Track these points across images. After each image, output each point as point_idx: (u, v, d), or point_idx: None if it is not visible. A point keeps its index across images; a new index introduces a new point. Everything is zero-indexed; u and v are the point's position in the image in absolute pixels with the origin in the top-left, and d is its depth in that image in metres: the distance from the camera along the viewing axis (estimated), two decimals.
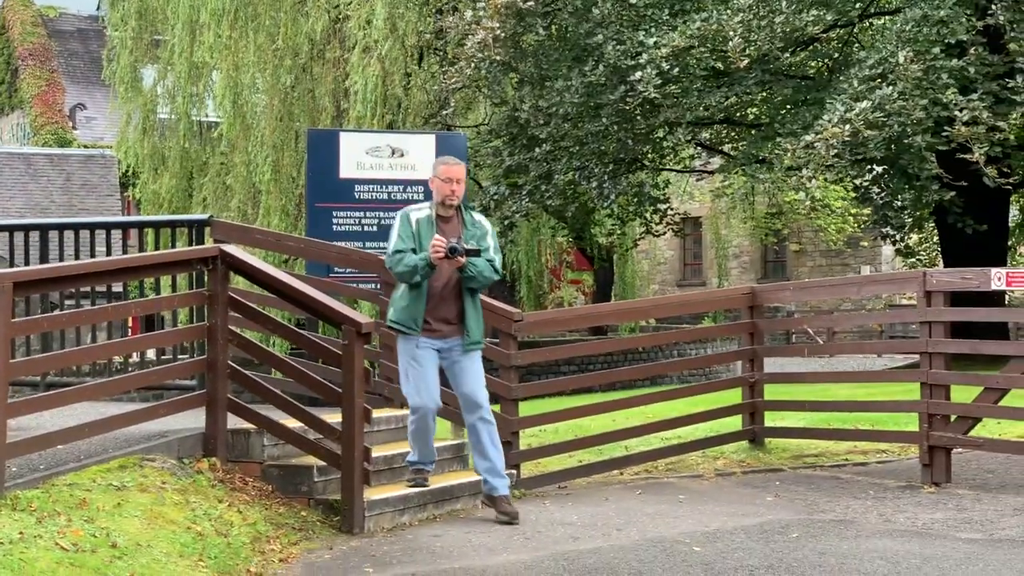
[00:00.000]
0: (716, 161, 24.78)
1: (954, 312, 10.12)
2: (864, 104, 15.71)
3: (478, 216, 8.66)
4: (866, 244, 40.97)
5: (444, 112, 22.74)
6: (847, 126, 15.62)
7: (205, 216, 11.48)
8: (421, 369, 8.35)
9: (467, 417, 8.61)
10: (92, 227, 11.66)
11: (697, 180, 29.74)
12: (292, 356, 10.83)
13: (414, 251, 8.24)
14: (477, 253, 8.24)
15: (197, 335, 9.16)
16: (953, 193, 17.21)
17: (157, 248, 17.04)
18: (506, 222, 21.38)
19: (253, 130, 23.91)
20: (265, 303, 10.14)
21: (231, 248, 8.79)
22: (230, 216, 23.69)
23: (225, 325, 8.57)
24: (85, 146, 38.73)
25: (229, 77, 23.98)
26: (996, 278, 9.31)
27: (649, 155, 22.16)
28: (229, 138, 24.49)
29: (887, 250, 38.65)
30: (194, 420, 8.77)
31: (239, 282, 9.91)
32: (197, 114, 26.26)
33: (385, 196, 12.68)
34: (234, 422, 8.72)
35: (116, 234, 11.96)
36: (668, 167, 24.95)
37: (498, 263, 8.46)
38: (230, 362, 8.68)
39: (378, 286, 10.83)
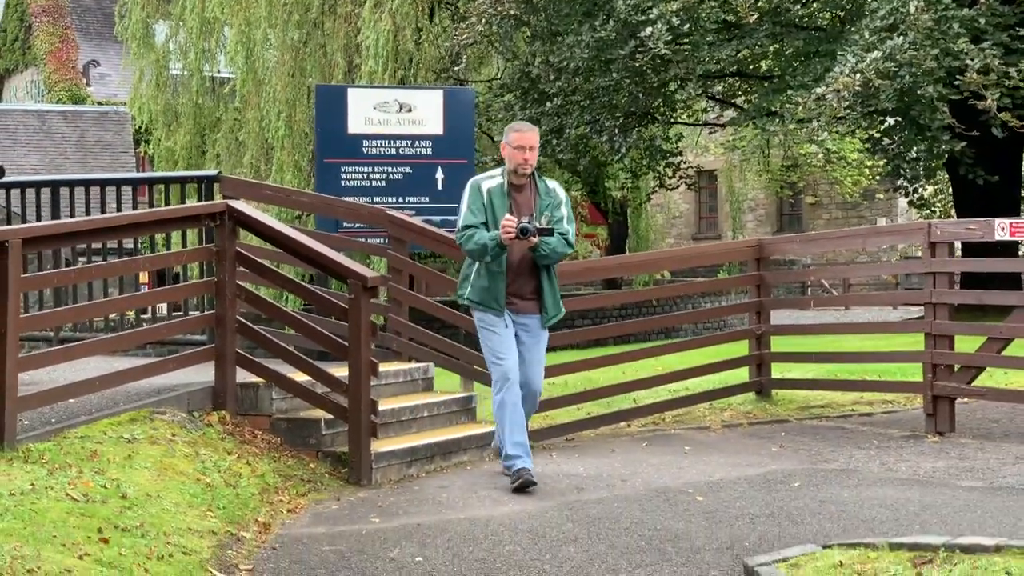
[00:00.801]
0: (730, 114, 24.74)
1: (957, 263, 10.19)
2: (875, 54, 15.69)
3: (552, 184, 8.12)
4: (882, 196, 40.82)
5: (456, 67, 22.73)
6: (858, 76, 15.60)
7: (214, 172, 11.57)
8: (500, 336, 7.99)
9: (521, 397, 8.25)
10: (103, 183, 11.74)
11: (710, 133, 29.67)
12: (304, 312, 10.94)
13: (485, 226, 7.81)
14: (550, 232, 7.77)
15: (205, 290, 9.26)
16: (964, 144, 17.18)
17: (169, 204, 17.11)
18: None
19: (265, 86, 23.91)
20: (275, 259, 10.23)
21: (238, 204, 8.87)
22: (243, 172, 23.76)
23: (233, 280, 8.66)
24: (99, 103, 38.75)
25: (241, 32, 23.98)
26: (1000, 228, 9.34)
27: (660, 109, 22.15)
28: (241, 94, 24.51)
29: (903, 202, 38.48)
30: (204, 374, 8.89)
31: (251, 239, 10.01)
32: (209, 70, 26.28)
33: (393, 151, 12.76)
34: (243, 376, 8.83)
35: (128, 191, 12.06)
36: (680, 121, 24.90)
37: (572, 235, 7.99)
38: (238, 317, 8.78)
39: (386, 240, 10.90)
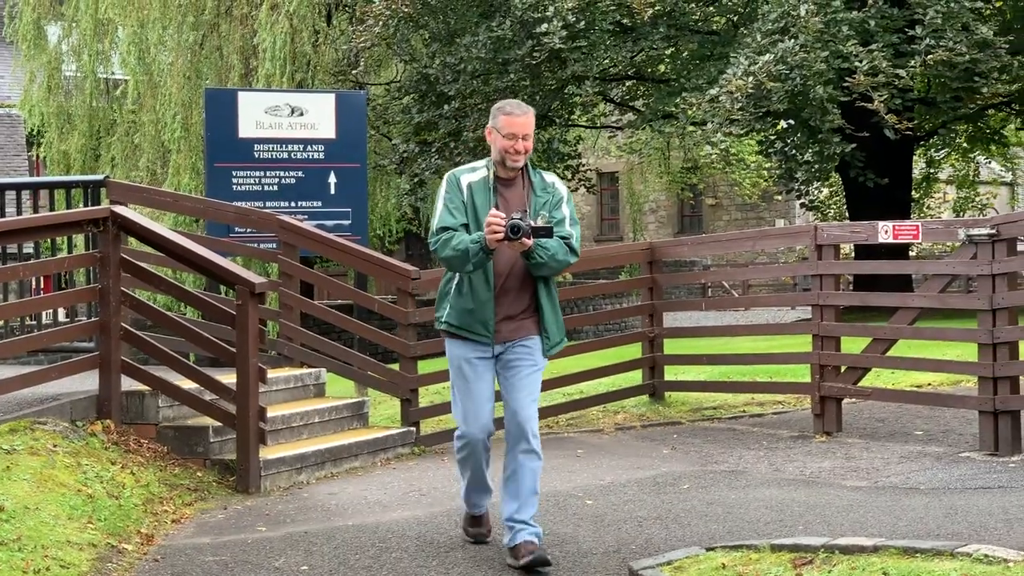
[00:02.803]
0: (629, 117, 24.91)
1: (842, 265, 10.32)
2: (767, 57, 15.91)
3: (550, 178, 6.34)
4: (780, 198, 41.32)
5: (354, 70, 22.64)
6: (750, 79, 15.80)
7: (100, 176, 11.37)
8: (470, 385, 6.24)
9: (508, 442, 6.26)
10: None
11: (610, 137, 29.84)
12: (194, 320, 10.80)
13: (466, 228, 6.08)
14: (549, 232, 5.99)
15: (90, 297, 9.10)
16: (854, 146, 17.46)
17: (66, 208, 16.82)
18: (416, 179, 21.41)
19: (160, 88, 23.65)
20: (164, 264, 10.10)
21: (122, 209, 8.73)
22: (139, 176, 23.47)
23: (117, 287, 8.52)
24: None
25: (135, 34, 23.71)
26: (883, 231, 9.48)
27: (559, 111, 22.24)
28: (136, 97, 24.22)
29: (799, 205, 39.07)
30: (90, 383, 8.74)
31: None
32: (104, 72, 25.89)
33: (285, 155, 12.65)
34: (129, 384, 8.70)
35: (27, 195, 11.82)
36: (578, 124, 25.01)
37: (576, 240, 6.20)
38: (124, 325, 8.64)
39: (277, 245, 10.81)
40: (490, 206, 6.10)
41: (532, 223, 5.96)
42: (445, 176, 6.29)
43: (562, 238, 6.11)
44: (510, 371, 6.23)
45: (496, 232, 5.90)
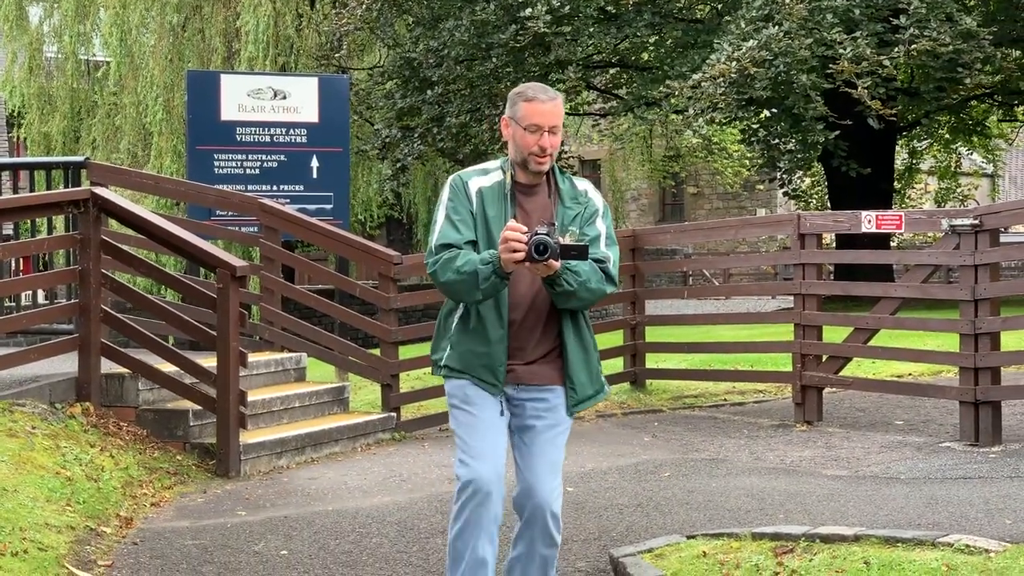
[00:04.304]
0: (613, 105, 24.89)
1: (825, 254, 10.34)
2: (751, 43, 15.91)
3: (583, 184, 4.87)
4: (762, 187, 41.34)
5: (337, 54, 22.55)
6: (734, 64, 15.80)
7: (81, 158, 11.31)
8: (474, 414, 4.70)
9: (521, 524, 4.88)
10: None
11: (593, 125, 29.81)
12: (175, 303, 10.75)
13: (474, 245, 4.64)
14: (583, 252, 4.46)
15: (70, 279, 9.05)
16: (837, 133, 17.47)
17: (46, 189, 16.73)
18: (398, 165, 21.37)
19: (142, 71, 23.51)
20: (145, 247, 10.04)
21: (102, 191, 8.67)
22: (119, 158, 23.34)
23: (98, 269, 8.47)
24: None
25: (116, 15, 23.54)
26: (866, 221, 9.48)
27: None
28: (118, 78, 24.08)
29: (782, 194, 39.15)
30: (69, 365, 8.70)
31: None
32: (85, 53, 25.73)
33: (267, 139, 12.59)
34: (109, 367, 8.66)
35: (7, 176, 11.76)
36: None
37: (614, 265, 4.73)
38: (104, 307, 8.59)
39: (259, 228, 10.76)
40: (506, 218, 4.62)
41: (560, 239, 4.47)
42: (449, 179, 4.81)
43: (596, 261, 4.61)
44: (528, 434, 4.74)
45: (516, 250, 4.39)
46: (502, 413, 4.69)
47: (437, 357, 4.80)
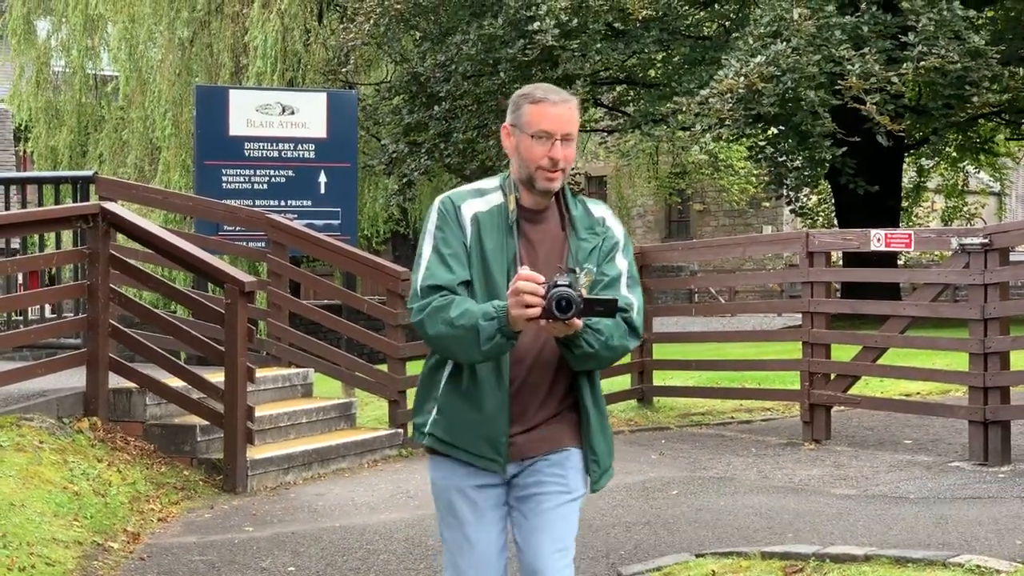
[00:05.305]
0: (620, 122, 24.92)
1: (834, 272, 10.32)
2: (759, 59, 15.91)
3: (599, 210, 3.85)
4: (768, 205, 41.39)
5: (344, 69, 22.60)
6: (742, 79, 15.80)
7: (90, 172, 11.32)
8: (468, 531, 3.78)
9: None
10: None
11: (601, 143, 29.87)
12: (182, 318, 10.76)
13: (468, 287, 3.67)
14: (612, 307, 3.51)
15: (78, 293, 9.05)
16: (844, 149, 17.45)
17: (54, 204, 16.74)
18: (404, 180, 21.39)
19: (150, 85, 23.57)
20: (153, 262, 10.05)
21: (112, 205, 8.69)
22: (126, 173, 23.38)
23: (106, 284, 8.47)
24: None
25: (125, 29, 23.60)
26: (876, 239, 9.46)
27: None
28: (125, 93, 24.14)
29: (787, 211, 39.15)
30: (77, 379, 8.69)
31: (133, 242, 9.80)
32: (93, 68, 25.80)
33: (276, 154, 12.61)
34: (117, 381, 8.65)
35: (15, 190, 11.76)
36: None
37: (638, 312, 3.72)
38: (112, 322, 8.59)
39: (267, 244, 10.77)
40: (508, 253, 3.68)
41: (582, 291, 3.52)
42: (436, 201, 3.80)
43: (621, 311, 3.60)
44: (529, 504, 3.78)
45: (530, 306, 3.45)
46: (496, 501, 3.76)
47: (420, 421, 3.79)
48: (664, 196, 42.28)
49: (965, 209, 37.23)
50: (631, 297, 3.72)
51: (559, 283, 3.48)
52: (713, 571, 5.77)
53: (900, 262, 27.33)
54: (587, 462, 3.78)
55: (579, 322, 3.50)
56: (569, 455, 3.76)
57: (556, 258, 3.70)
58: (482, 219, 3.71)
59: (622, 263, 3.75)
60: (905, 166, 26.34)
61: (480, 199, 3.76)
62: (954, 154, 29.00)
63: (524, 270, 3.51)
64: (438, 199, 3.80)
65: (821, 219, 31.27)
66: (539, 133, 3.68)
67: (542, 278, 3.48)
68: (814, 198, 32.14)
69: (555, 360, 3.70)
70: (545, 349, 3.69)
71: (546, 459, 3.75)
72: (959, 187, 36.06)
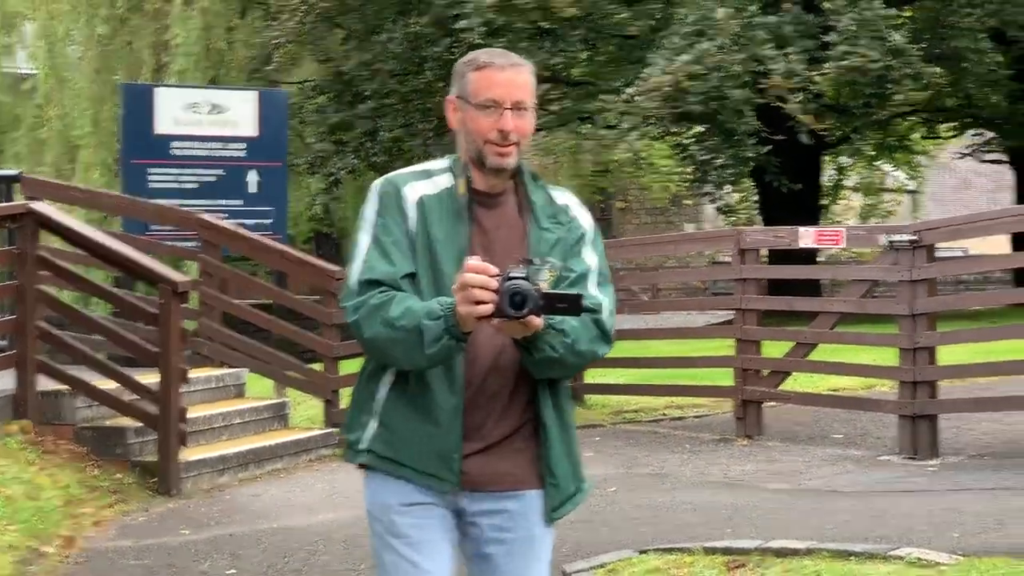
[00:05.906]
0: (544, 120, 24.96)
1: (767, 269, 10.41)
2: (684, 57, 16.04)
3: (563, 197, 3.33)
4: (690, 202, 41.59)
5: (268, 67, 22.43)
6: (668, 78, 15.92)
7: (15, 172, 11.16)
8: (411, 554, 3.19)
9: None
10: None
11: None
12: (110, 318, 10.62)
13: (412, 280, 3.15)
14: (576, 303, 2.98)
15: (5, 295, 8.90)
16: (769, 148, 17.65)
17: None
18: (331, 179, 21.30)
19: (69, 83, 23.24)
20: (84, 262, 9.91)
21: (40, 205, 8.55)
22: (44, 172, 23.01)
23: (33, 285, 8.34)
24: None
25: (43, 27, 23.26)
26: (806, 236, 9.58)
27: None
28: (44, 91, 23.77)
29: (709, 209, 39.38)
30: (5, 383, 8.55)
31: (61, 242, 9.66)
32: (9, 65, 25.41)
33: (204, 153, 12.48)
34: (47, 384, 8.52)
35: None
36: None
37: (610, 313, 3.20)
38: (41, 323, 8.45)
39: (199, 244, 10.66)
40: (460, 242, 3.15)
41: (542, 285, 3.01)
42: (375, 184, 3.28)
43: (589, 310, 3.05)
44: (484, 563, 3.27)
45: (480, 303, 2.94)
46: (441, 524, 3.19)
47: (355, 437, 3.26)
48: (586, 194, 42.44)
49: (881, 207, 37.73)
50: (601, 296, 3.19)
51: (513, 275, 2.96)
52: (657, 567, 5.80)
53: (820, 259, 27.64)
54: (548, 491, 3.19)
55: (539, 321, 2.97)
56: (529, 500, 3.21)
57: (516, 249, 3.16)
58: (428, 203, 3.17)
59: (591, 258, 3.25)
60: (824, 164, 26.65)
61: (426, 181, 3.22)
62: (872, 152, 29.38)
63: (474, 260, 2.98)
64: (376, 182, 3.28)
65: (744, 216, 31.52)
66: (486, 102, 3.15)
67: (495, 269, 2.96)
68: (736, 196, 32.41)
69: (515, 364, 3.15)
70: (503, 357, 3.15)
71: (501, 510, 3.19)
72: (877, 185, 36.54)
